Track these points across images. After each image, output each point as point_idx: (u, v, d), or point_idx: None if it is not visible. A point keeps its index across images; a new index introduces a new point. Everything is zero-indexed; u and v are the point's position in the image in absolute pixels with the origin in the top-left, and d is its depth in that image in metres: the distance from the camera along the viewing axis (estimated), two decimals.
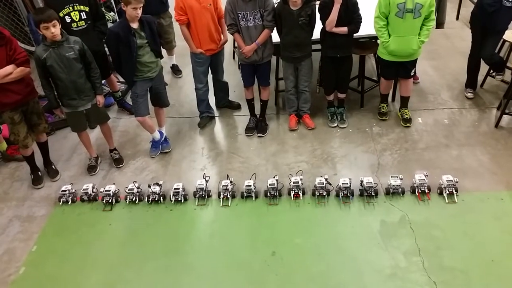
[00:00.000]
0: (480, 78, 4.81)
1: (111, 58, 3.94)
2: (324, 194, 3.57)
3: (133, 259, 3.24)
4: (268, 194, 3.60)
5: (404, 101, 4.46)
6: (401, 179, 3.56)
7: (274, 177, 3.68)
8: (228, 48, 5.16)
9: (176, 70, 5.68)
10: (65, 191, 3.76)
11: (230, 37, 4.34)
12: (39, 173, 4.06)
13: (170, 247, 3.31)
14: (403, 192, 3.56)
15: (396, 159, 3.98)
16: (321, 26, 4.06)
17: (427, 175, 3.57)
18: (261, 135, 4.45)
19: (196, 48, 4.17)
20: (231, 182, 3.69)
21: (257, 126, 4.53)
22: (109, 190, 3.69)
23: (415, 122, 4.45)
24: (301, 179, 3.63)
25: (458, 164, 3.86)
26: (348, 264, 3.07)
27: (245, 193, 3.65)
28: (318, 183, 3.58)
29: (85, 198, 3.75)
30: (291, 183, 3.62)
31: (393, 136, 4.28)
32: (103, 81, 4.32)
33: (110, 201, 3.69)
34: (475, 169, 3.79)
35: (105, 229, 3.51)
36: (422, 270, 2.98)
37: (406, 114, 4.43)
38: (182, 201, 3.67)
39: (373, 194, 3.53)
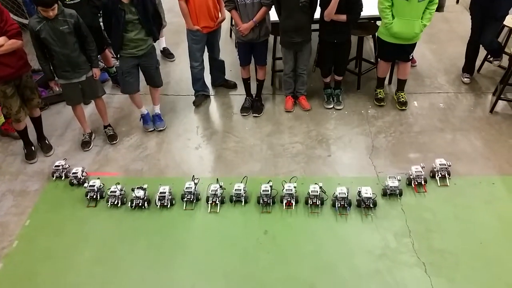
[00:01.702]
0: (477, 63, 4.79)
1: (103, 26, 3.90)
2: (318, 203, 3.34)
3: (126, 236, 3.25)
4: (261, 200, 3.38)
5: (401, 84, 4.45)
6: (399, 180, 3.40)
7: (268, 182, 3.44)
8: (225, 26, 5.10)
9: (167, 54, 5.47)
10: (58, 166, 3.75)
11: (227, 16, 4.28)
12: (33, 148, 4.03)
13: (164, 224, 3.33)
14: (400, 194, 3.39)
15: (391, 142, 3.99)
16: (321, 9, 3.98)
17: (423, 167, 3.49)
18: (256, 115, 4.43)
19: (193, 25, 4.10)
20: (221, 187, 3.45)
21: (253, 106, 4.50)
22: (94, 186, 3.49)
23: (411, 106, 4.44)
24: (295, 187, 3.39)
25: (452, 148, 3.88)
26: (338, 243, 3.11)
27: (234, 197, 3.42)
28: (311, 191, 3.34)
29: (75, 182, 3.66)
30: (284, 190, 3.39)
31: (388, 119, 4.28)
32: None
33: (94, 197, 3.50)
34: (468, 154, 3.82)
35: (98, 205, 3.51)
36: (412, 251, 3.02)
37: (402, 97, 4.42)
38: (169, 206, 3.42)
39: (371, 206, 3.29)
